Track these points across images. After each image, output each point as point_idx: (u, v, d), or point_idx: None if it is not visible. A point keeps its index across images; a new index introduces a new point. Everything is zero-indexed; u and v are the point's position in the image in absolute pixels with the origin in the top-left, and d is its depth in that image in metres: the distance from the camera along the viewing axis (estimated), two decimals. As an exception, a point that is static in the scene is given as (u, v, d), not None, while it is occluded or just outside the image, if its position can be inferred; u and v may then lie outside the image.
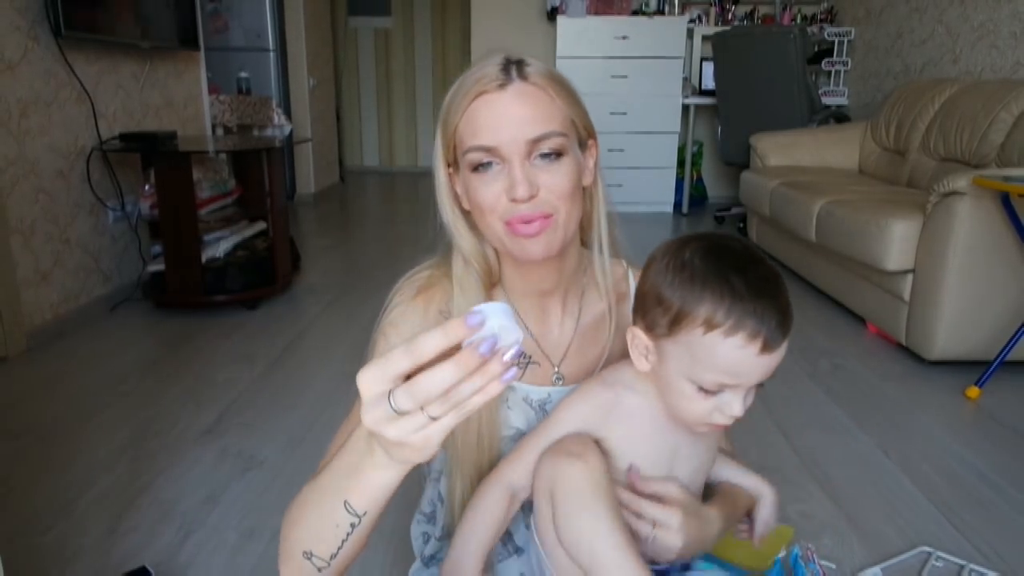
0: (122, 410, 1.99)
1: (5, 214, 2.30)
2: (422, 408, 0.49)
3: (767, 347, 0.69)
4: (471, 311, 0.48)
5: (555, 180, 0.74)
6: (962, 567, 1.36)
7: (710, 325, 0.69)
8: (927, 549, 1.41)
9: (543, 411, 0.85)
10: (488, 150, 0.73)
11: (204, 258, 2.72)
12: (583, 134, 0.80)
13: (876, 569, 1.34)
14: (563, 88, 0.77)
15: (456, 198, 0.81)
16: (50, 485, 1.61)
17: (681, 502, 0.76)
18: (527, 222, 0.74)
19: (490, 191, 0.75)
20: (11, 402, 2.05)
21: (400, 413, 0.49)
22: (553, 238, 0.76)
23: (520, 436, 0.84)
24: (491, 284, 0.85)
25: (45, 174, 2.50)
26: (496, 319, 0.48)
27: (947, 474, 1.71)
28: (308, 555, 0.64)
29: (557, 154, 0.74)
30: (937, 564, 1.37)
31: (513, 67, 0.75)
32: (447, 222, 0.82)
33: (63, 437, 1.83)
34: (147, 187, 2.79)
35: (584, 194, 0.81)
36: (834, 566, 1.36)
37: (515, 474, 0.78)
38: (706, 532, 0.77)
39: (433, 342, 0.48)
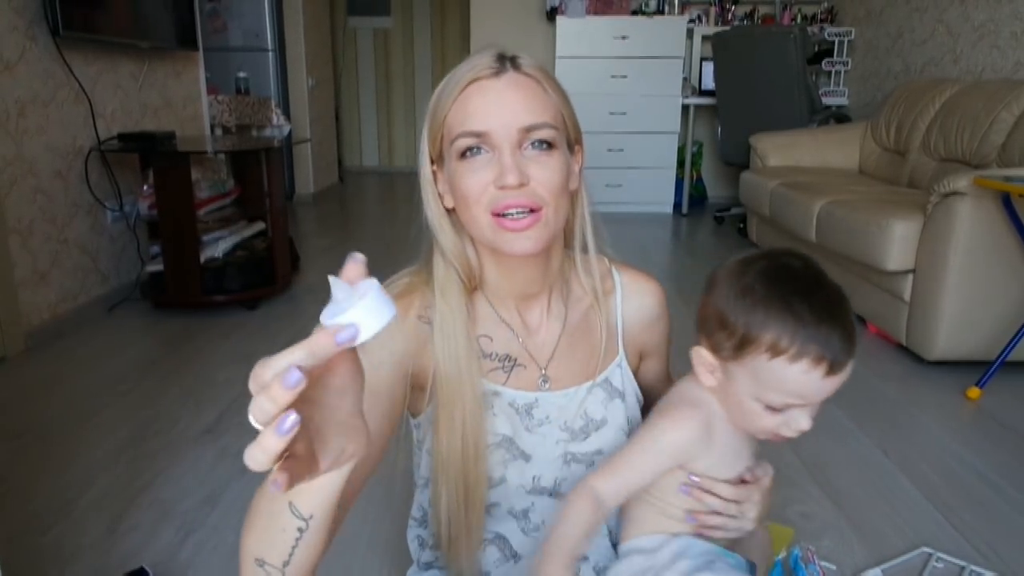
0: (121, 410, 1.98)
1: (3, 214, 2.29)
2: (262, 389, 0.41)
3: (832, 370, 0.70)
4: (344, 325, 0.42)
5: (545, 173, 0.73)
6: (962, 568, 1.36)
7: (775, 351, 0.70)
8: (927, 550, 1.41)
9: (529, 416, 0.84)
10: (479, 135, 0.72)
11: (203, 258, 2.72)
12: (572, 135, 0.79)
13: (876, 570, 1.34)
14: (556, 84, 0.77)
15: (440, 197, 0.79)
16: (49, 485, 1.61)
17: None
18: (515, 216, 0.72)
19: (477, 179, 0.73)
20: (10, 402, 2.04)
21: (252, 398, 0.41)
22: (541, 234, 0.74)
23: (506, 442, 0.83)
24: (472, 287, 0.82)
25: (43, 174, 2.50)
26: (360, 311, 0.43)
27: (947, 475, 1.71)
28: (260, 562, 0.57)
29: (549, 145, 0.73)
30: (938, 565, 1.37)
31: (507, 59, 0.75)
32: (430, 220, 0.80)
33: (62, 437, 1.83)
34: (146, 187, 2.79)
35: (569, 197, 0.80)
36: (834, 567, 1.36)
37: (606, 487, 0.78)
38: (767, 502, 0.83)
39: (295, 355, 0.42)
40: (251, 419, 0.41)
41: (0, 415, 1.96)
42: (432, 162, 0.78)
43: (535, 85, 0.74)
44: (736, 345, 0.73)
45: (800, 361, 0.70)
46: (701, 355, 0.78)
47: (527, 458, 0.85)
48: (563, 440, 0.86)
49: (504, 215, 0.73)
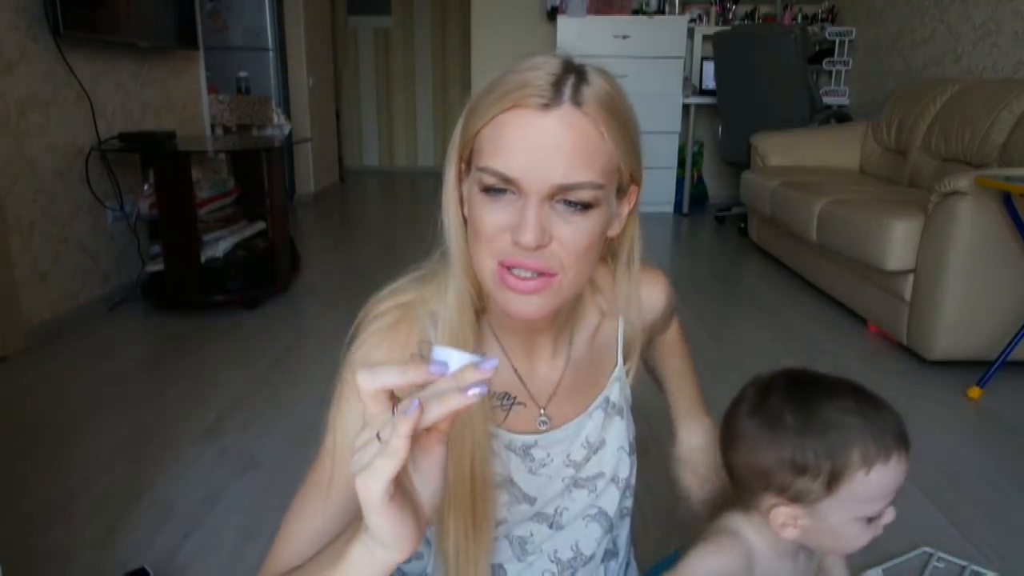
0: (121, 410, 1.98)
1: (4, 214, 2.29)
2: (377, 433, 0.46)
3: (906, 449, 0.72)
4: (433, 360, 0.46)
5: (573, 235, 0.62)
6: (963, 568, 1.35)
7: (869, 464, 0.70)
8: (928, 550, 1.40)
9: (529, 457, 0.78)
10: (506, 179, 0.60)
11: (203, 258, 2.72)
12: (626, 181, 0.67)
13: (877, 570, 1.34)
14: (619, 124, 0.63)
15: (460, 200, 0.69)
16: (49, 485, 1.61)
17: None
18: (523, 276, 0.62)
19: (493, 220, 0.62)
20: (10, 402, 2.04)
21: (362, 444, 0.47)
22: (547, 301, 0.64)
23: (507, 483, 0.77)
24: (482, 307, 0.74)
25: (44, 174, 2.50)
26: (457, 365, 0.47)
27: (948, 475, 1.70)
28: None
29: (585, 206, 0.62)
30: (939, 565, 1.37)
31: (569, 83, 0.60)
32: (446, 225, 0.70)
33: (62, 437, 1.83)
34: (146, 187, 2.79)
35: (605, 244, 0.69)
36: (835, 567, 1.36)
37: None
38: None
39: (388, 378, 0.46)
40: (368, 438, 0.46)
41: (0, 415, 1.96)
42: (461, 160, 0.68)
43: (590, 128, 0.61)
44: (827, 481, 0.71)
45: (890, 459, 0.71)
46: (781, 514, 0.74)
47: (531, 501, 0.80)
48: (568, 476, 0.81)
49: (511, 269, 0.63)
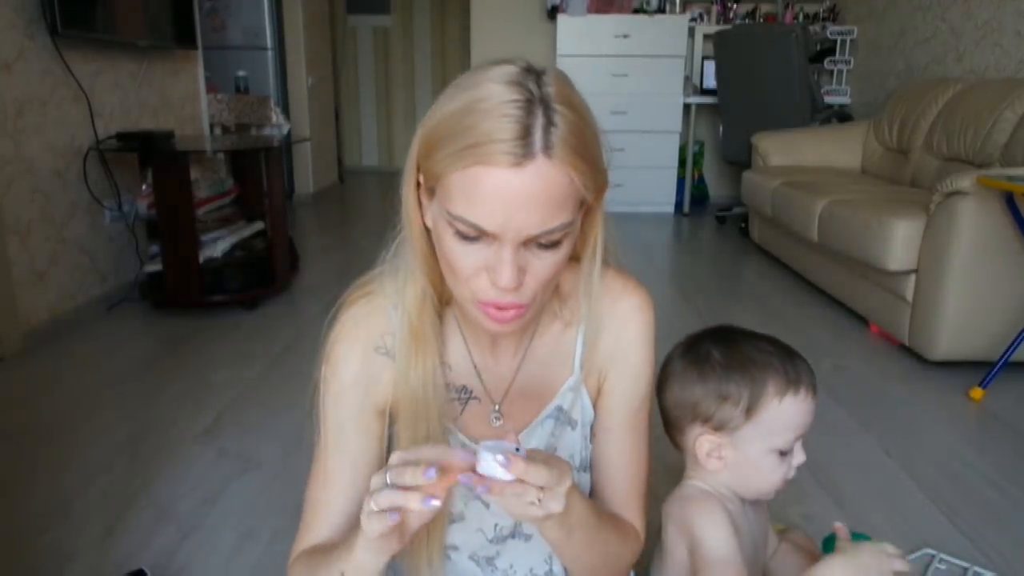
0: (119, 411, 1.97)
1: (1, 214, 2.29)
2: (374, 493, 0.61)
3: (813, 390, 0.84)
4: (480, 464, 0.60)
5: (544, 268, 0.64)
6: (966, 569, 1.35)
7: (781, 393, 0.82)
8: (930, 551, 1.40)
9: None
10: (480, 231, 0.61)
11: (202, 258, 2.71)
12: (591, 197, 0.65)
13: (880, 572, 1.33)
14: (587, 158, 0.62)
15: (420, 207, 0.69)
16: (47, 485, 1.60)
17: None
18: (500, 308, 0.65)
19: (469, 262, 0.63)
20: (8, 402, 2.03)
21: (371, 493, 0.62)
22: (522, 322, 0.68)
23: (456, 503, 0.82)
24: (446, 301, 0.76)
25: (41, 174, 2.49)
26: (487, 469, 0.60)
27: (950, 475, 1.69)
28: None
29: (557, 243, 0.64)
30: (941, 567, 1.36)
31: (537, 128, 0.58)
32: (406, 227, 0.72)
33: (60, 438, 1.82)
34: (144, 187, 2.78)
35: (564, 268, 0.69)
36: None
37: None
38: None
39: (428, 453, 0.62)
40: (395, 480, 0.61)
41: (-2, 415, 1.95)
42: (419, 171, 0.67)
43: (562, 178, 0.60)
44: (747, 408, 0.82)
45: (799, 392, 0.82)
46: (706, 442, 0.85)
47: (486, 505, 0.81)
48: None
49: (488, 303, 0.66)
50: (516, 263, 0.62)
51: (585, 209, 0.67)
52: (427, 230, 0.70)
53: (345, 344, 0.78)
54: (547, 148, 0.58)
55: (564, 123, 0.59)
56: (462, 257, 0.64)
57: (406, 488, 0.60)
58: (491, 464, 0.59)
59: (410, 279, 0.73)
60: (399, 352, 0.74)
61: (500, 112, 0.58)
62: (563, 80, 0.63)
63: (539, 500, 0.61)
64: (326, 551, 0.73)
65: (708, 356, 0.85)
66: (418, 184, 0.68)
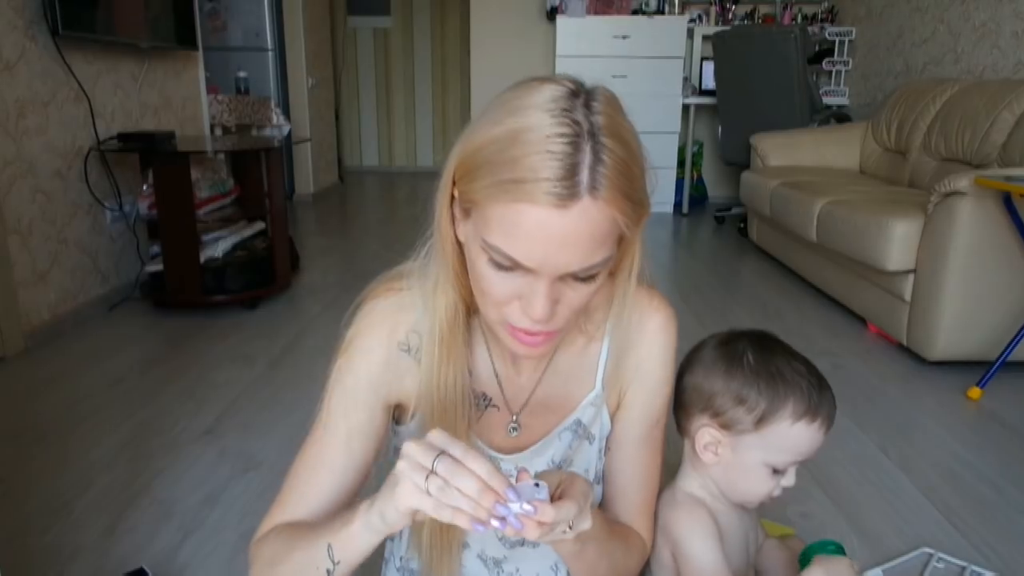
0: (120, 410, 1.98)
1: (2, 214, 2.29)
2: (434, 472, 0.56)
3: (829, 424, 0.84)
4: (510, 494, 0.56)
5: (579, 297, 0.63)
6: (963, 568, 1.35)
7: (796, 417, 0.81)
8: (928, 550, 1.40)
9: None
10: (519, 265, 0.59)
11: (203, 258, 2.72)
12: (632, 232, 0.63)
13: (877, 570, 1.33)
14: (633, 195, 0.59)
15: (454, 221, 0.67)
16: (48, 485, 1.61)
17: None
18: (530, 334, 0.65)
19: (502, 290, 0.62)
20: (9, 402, 2.04)
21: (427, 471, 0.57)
22: (550, 346, 0.68)
23: None
24: (472, 311, 0.75)
25: (43, 174, 2.49)
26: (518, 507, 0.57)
27: (948, 475, 1.70)
28: None
29: (593, 277, 0.62)
30: (938, 565, 1.36)
31: (585, 166, 0.56)
32: (438, 241, 0.69)
33: (61, 437, 1.82)
34: (145, 187, 2.78)
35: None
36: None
37: None
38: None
39: (474, 464, 0.56)
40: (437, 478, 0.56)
41: (-1, 415, 1.96)
42: (454, 185, 0.64)
43: (604, 218, 0.58)
44: (760, 418, 0.82)
45: (815, 422, 0.82)
46: (708, 434, 0.85)
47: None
48: None
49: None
50: (551, 296, 0.61)
51: (623, 244, 0.67)
52: (459, 243, 0.68)
53: (368, 334, 0.76)
54: (593, 189, 0.56)
55: (612, 159, 0.57)
56: (495, 284, 0.62)
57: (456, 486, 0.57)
58: (517, 517, 0.57)
59: (440, 289, 0.71)
60: (425, 358, 0.73)
61: (546, 147, 0.55)
62: (613, 105, 0.61)
63: (570, 527, 0.62)
64: (311, 525, 0.71)
65: (742, 356, 0.84)
66: (452, 197, 0.66)
